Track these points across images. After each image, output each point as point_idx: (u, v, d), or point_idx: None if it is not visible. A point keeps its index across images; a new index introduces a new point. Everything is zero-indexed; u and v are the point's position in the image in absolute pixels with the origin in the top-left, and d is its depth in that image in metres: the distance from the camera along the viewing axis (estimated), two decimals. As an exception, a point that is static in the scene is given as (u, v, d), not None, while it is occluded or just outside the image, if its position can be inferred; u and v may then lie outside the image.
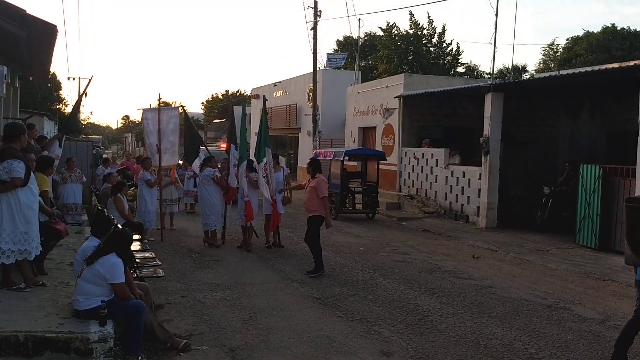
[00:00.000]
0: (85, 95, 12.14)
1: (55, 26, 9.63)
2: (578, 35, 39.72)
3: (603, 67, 12.02)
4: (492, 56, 13.87)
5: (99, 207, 10.15)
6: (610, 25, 38.34)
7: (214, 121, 54.22)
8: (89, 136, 58.92)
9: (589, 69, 12.39)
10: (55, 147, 9.43)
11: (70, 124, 12.52)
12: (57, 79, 46.53)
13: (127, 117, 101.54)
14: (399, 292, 7.85)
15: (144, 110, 11.94)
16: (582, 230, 11.75)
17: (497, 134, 14.04)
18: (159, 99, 11.94)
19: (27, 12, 8.91)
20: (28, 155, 6.46)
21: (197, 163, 12.65)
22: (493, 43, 16.07)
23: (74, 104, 12.65)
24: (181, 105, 11.82)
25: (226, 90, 62.15)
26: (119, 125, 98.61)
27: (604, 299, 7.91)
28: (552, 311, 7.16)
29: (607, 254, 10.90)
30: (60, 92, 48.86)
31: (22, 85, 18.81)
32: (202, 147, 12.71)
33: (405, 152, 18.11)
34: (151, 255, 7.65)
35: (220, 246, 10.87)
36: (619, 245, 10.96)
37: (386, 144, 19.14)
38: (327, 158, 17.30)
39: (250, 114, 32.90)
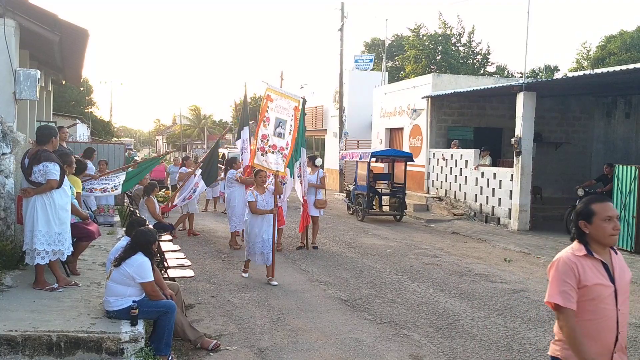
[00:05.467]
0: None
1: (86, 30, 9.78)
2: (612, 34, 38.75)
3: (638, 65, 11.68)
4: (524, 54, 13.57)
5: (131, 209, 10.27)
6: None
7: (242, 124, 54.82)
8: (121, 139, 60.02)
9: (624, 67, 12.02)
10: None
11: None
12: (89, 82, 47.53)
13: (157, 120, 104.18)
14: (428, 296, 7.74)
15: (269, 87, 8.57)
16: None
17: (529, 134, 13.76)
18: (282, 77, 9.88)
19: (59, 16, 9.06)
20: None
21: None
22: (525, 42, 15.71)
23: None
24: (303, 98, 8.64)
25: (254, 94, 62.86)
26: (151, 130, 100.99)
27: (642, 303, 7.66)
28: (587, 316, 6.95)
29: (645, 257, 10.58)
30: (92, 96, 49.84)
31: (55, 89, 19.27)
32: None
33: (434, 153, 17.91)
34: (181, 256, 7.70)
35: (239, 248, 10.59)
36: (656, 248, 10.65)
37: (413, 145, 18.96)
38: (353, 159, 17.25)
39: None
